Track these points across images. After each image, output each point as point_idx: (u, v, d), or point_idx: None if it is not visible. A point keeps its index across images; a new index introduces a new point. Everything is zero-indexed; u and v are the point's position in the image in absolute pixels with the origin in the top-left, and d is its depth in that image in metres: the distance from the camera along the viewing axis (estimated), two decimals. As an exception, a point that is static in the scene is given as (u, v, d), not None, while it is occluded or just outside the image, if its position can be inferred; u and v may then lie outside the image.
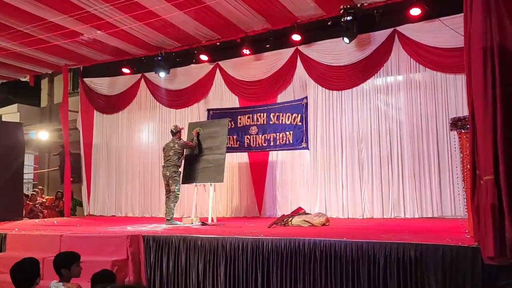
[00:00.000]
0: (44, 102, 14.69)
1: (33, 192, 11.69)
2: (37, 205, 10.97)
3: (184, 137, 8.36)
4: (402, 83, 8.04)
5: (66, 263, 3.82)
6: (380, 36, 8.03)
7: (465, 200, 4.44)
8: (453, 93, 7.56)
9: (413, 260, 4.09)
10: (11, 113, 14.15)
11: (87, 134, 11.10)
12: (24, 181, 10.63)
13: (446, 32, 7.07)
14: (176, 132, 7.73)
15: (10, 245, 6.38)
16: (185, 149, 7.82)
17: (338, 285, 4.41)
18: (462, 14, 4.09)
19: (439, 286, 3.95)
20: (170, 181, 7.45)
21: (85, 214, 10.98)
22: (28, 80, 11.19)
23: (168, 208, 7.41)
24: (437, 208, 7.52)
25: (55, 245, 5.94)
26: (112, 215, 10.62)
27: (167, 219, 7.34)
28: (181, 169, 7.74)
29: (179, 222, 7.43)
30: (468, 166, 4.01)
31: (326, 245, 4.54)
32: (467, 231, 4.41)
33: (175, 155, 7.53)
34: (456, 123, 4.42)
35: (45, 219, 9.96)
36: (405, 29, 7.80)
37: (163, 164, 7.68)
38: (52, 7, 7.35)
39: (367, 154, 8.18)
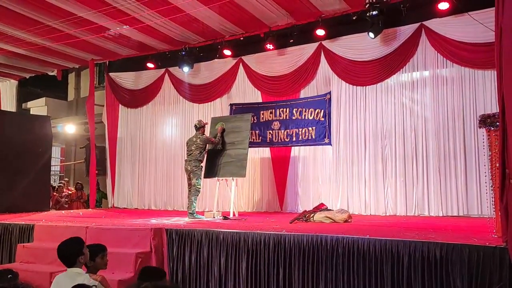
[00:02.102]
0: (71, 96, 14.99)
1: (60, 184, 11.97)
2: (63, 198, 11.21)
3: (207, 132, 8.42)
4: (428, 78, 7.89)
5: (90, 255, 3.89)
6: (406, 31, 7.89)
7: (493, 199, 4.34)
8: (481, 90, 7.39)
9: (438, 259, 4.01)
10: (39, 106, 14.49)
11: (112, 128, 11.29)
12: (51, 173, 10.87)
13: (476, 27, 6.91)
14: (199, 127, 7.78)
15: (38, 236, 6.53)
16: (207, 144, 7.86)
17: (361, 283, 4.37)
18: (493, 8, 3.99)
19: (465, 287, 3.87)
20: (191, 175, 7.52)
21: (110, 206, 11.19)
22: (56, 74, 11.44)
23: (190, 202, 7.47)
24: (463, 207, 7.39)
25: (81, 236, 6.00)
26: (136, 208, 10.79)
27: (190, 213, 7.40)
28: (203, 164, 7.78)
29: (202, 216, 7.47)
30: (497, 165, 3.91)
31: (348, 242, 4.50)
32: (494, 231, 4.31)
33: (197, 149, 7.59)
34: (485, 120, 4.31)
35: (71, 211, 10.18)
36: (433, 23, 7.64)
37: (185, 158, 7.75)
38: (80, 2, 7.48)
39: (391, 150, 8.08)
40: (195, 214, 7.36)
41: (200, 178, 7.59)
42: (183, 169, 7.90)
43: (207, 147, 7.88)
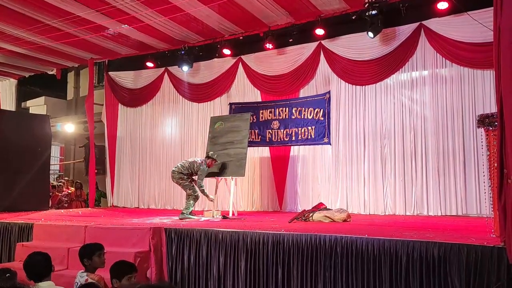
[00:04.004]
0: (70, 95, 14.98)
1: (60, 183, 11.97)
2: (63, 198, 11.21)
3: (206, 129, 8.41)
4: (427, 78, 7.90)
5: (88, 253, 3.90)
6: (405, 30, 7.89)
7: (491, 198, 4.35)
8: (480, 89, 7.39)
9: (437, 259, 4.02)
10: (38, 106, 14.49)
11: (111, 127, 11.29)
12: (50, 172, 10.87)
13: (475, 27, 6.91)
14: (209, 158, 7.50)
15: (37, 235, 6.55)
16: (193, 174, 7.45)
17: (359, 283, 4.38)
18: (492, 8, 3.99)
19: (463, 286, 3.88)
20: (181, 187, 7.43)
21: (109, 205, 11.19)
22: (55, 73, 11.43)
23: (187, 204, 7.37)
24: (462, 206, 7.40)
25: (80, 235, 6.08)
26: (135, 207, 10.79)
27: (182, 212, 7.33)
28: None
29: (193, 216, 7.32)
30: (495, 164, 3.92)
31: (347, 242, 4.51)
32: (493, 230, 4.32)
33: (189, 166, 7.35)
34: (483, 120, 4.31)
35: (71, 210, 10.18)
36: (432, 23, 7.65)
37: (177, 164, 7.60)
38: (80, 1, 7.48)
39: (390, 150, 8.09)
40: (186, 214, 7.24)
41: (193, 186, 7.41)
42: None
43: (193, 174, 7.51)
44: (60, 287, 3.39)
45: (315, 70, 8.88)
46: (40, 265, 3.44)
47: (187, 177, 7.38)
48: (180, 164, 7.49)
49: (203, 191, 7.41)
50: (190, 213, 7.36)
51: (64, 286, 3.49)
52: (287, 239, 4.87)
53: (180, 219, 7.14)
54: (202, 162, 7.45)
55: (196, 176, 7.41)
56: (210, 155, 7.61)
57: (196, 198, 7.44)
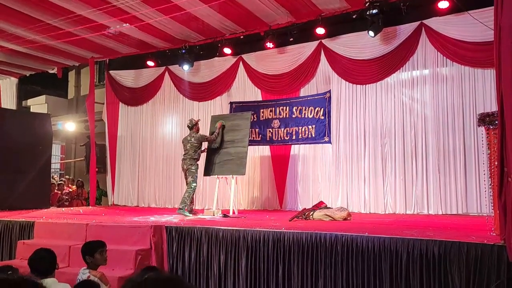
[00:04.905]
0: (71, 94, 15.00)
1: (61, 182, 11.98)
2: (64, 196, 11.23)
3: (206, 129, 8.42)
4: (428, 77, 7.91)
5: (90, 251, 3.93)
6: (406, 29, 7.91)
7: (492, 197, 4.36)
8: (481, 88, 7.41)
9: (437, 257, 4.04)
10: (39, 104, 14.52)
11: (112, 126, 11.30)
12: (51, 170, 10.87)
13: (475, 26, 6.93)
14: (192, 126, 7.76)
15: (38, 233, 6.56)
16: (203, 142, 7.83)
17: (360, 280, 4.40)
18: (492, 7, 4.00)
19: (463, 284, 3.90)
20: (187, 173, 7.57)
21: (110, 204, 11.21)
22: (56, 72, 11.43)
23: (182, 198, 7.49)
24: (462, 205, 7.41)
25: (81, 233, 6.09)
26: (136, 205, 10.81)
27: (179, 208, 7.40)
28: (199, 162, 7.75)
29: (189, 215, 7.36)
30: (496, 163, 3.93)
31: (347, 240, 4.53)
32: (493, 228, 4.34)
33: (192, 148, 7.60)
34: (484, 119, 4.33)
35: (72, 208, 10.20)
36: (433, 22, 7.66)
37: (182, 157, 7.78)
38: (81, 0, 7.48)
39: (390, 148, 8.10)
40: (183, 211, 7.33)
41: (196, 177, 7.58)
42: (181, 167, 7.90)
43: (203, 145, 7.86)
44: (63, 283, 3.41)
45: (315, 69, 8.89)
46: (45, 261, 3.48)
47: (196, 162, 7.58)
48: (185, 154, 7.64)
49: (215, 137, 7.91)
50: (191, 211, 7.42)
51: (66, 283, 3.51)
52: (287, 237, 4.89)
53: (178, 214, 7.19)
54: (191, 135, 7.66)
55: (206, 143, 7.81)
56: (189, 125, 7.80)
57: (192, 189, 7.52)
